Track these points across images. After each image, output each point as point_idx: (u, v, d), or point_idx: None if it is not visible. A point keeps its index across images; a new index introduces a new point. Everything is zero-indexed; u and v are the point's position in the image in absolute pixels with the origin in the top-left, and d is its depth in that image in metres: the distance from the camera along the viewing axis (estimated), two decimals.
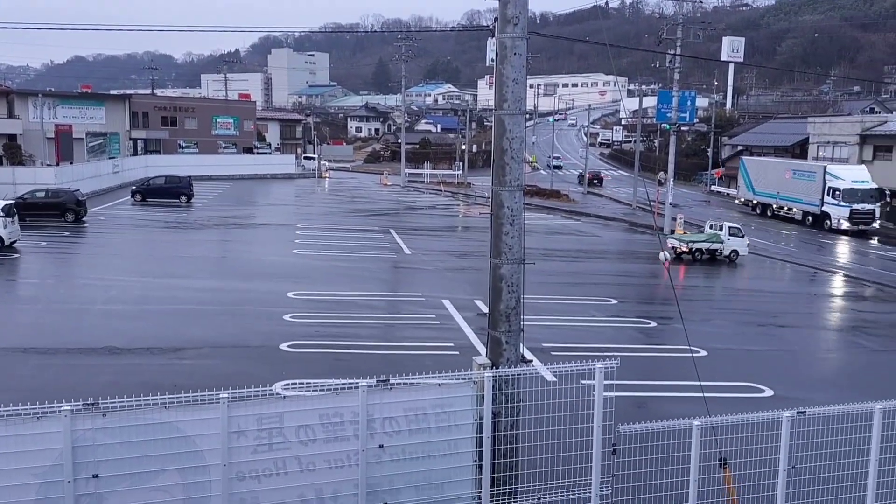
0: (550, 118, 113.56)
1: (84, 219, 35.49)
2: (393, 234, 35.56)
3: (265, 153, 79.70)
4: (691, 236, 34.79)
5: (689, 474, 7.60)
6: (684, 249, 32.85)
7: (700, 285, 28.54)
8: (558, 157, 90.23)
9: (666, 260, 9.48)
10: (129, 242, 31.31)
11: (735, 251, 33.06)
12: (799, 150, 61.81)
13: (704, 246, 32.84)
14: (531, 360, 8.77)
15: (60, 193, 35.82)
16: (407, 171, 70.04)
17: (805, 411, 7.85)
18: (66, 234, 32.05)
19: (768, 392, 14.52)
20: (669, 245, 33.85)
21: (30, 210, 33.36)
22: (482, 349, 9.29)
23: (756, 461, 7.85)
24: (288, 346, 15.81)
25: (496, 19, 8.15)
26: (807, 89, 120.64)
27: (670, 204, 43.39)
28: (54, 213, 34.66)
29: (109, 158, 54.93)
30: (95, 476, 6.69)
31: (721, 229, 33.57)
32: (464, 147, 77.92)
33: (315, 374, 13.68)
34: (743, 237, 33.70)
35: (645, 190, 42.60)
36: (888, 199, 47.44)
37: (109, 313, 18.46)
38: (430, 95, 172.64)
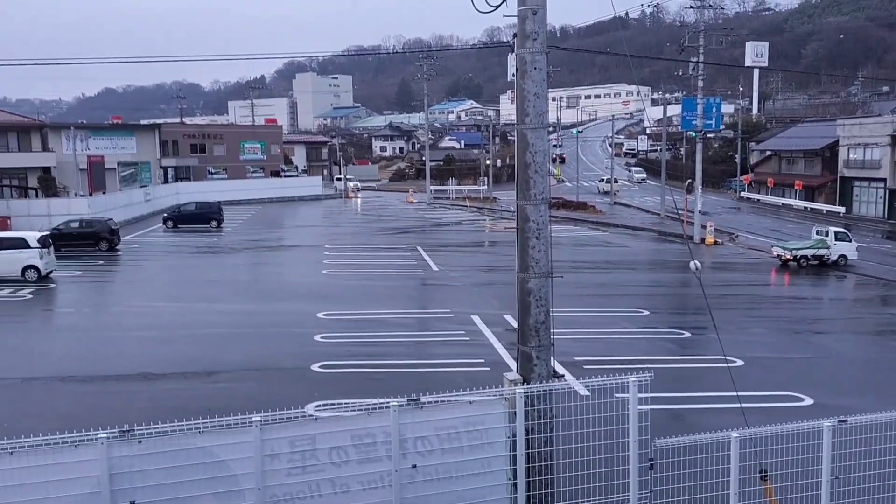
0: (574, 130, 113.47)
1: (118, 247, 36.09)
2: (420, 251, 35.63)
3: (292, 176, 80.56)
4: (796, 243, 34.32)
5: (729, 487, 7.44)
6: (789, 257, 32.50)
7: (737, 294, 28.11)
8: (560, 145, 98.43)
9: (697, 269, 9.34)
10: (161, 269, 31.76)
11: (843, 256, 32.60)
12: (829, 153, 60.87)
13: (810, 252, 32.43)
14: (563, 375, 8.68)
15: (94, 223, 36.48)
16: (432, 188, 70.26)
17: (846, 420, 7.67)
18: (101, 262, 32.61)
19: (808, 401, 14.21)
20: (774, 253, 33.48)
21: (65, 240, 34.02)
22: (513, 364, 9.23)
23: (798, 472, 7.66)
24: (319, 367, 15.86)
25: (515, 35, 8.16)
26: (834, 91, 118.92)
27: (699, 212, 42.96)
28: (88, 242, 35.32)
29: (141, 187, 55.90)
30: (132, 503, 6.74)
31: (827, 235, 33.08)
32: (488, 162, 77.99)
33: (347, 394, 13.69)
34: (850, 241, 33.10)
35: (672, 199, 42.24)
36: None
37: (144, 339, 18.71)
38: (452, 112, 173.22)
